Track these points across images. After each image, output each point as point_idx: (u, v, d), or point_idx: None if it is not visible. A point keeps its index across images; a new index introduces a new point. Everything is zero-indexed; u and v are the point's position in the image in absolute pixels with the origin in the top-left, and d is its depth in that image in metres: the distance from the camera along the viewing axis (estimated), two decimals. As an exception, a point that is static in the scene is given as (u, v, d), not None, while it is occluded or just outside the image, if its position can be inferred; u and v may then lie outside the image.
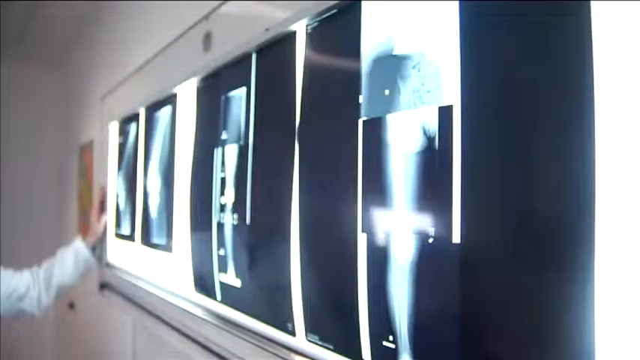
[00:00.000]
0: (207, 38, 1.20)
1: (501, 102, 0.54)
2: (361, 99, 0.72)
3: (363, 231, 0.69)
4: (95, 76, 2.76)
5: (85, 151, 2.90)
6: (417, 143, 0.63)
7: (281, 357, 0.85)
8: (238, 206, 0.96)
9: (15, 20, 2.84)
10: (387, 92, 0.68)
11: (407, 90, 0.66)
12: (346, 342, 0.73)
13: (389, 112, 0.67)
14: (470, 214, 0.56)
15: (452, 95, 0.59)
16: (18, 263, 1.70)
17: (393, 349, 0.65)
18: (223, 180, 1.02)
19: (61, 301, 3.27)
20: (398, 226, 0.64)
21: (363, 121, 0.71)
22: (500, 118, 0.55)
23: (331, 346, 0.76)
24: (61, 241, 3.13)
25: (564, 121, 0.48)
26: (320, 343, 0.78)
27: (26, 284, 1.65)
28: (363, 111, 0.71)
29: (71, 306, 3.12)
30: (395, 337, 0.65)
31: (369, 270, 0.68)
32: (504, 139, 0.54)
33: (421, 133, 0.63)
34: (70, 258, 1.74)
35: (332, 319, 0.76)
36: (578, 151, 0.46)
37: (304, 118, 0.82)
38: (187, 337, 1.22)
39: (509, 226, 0.53)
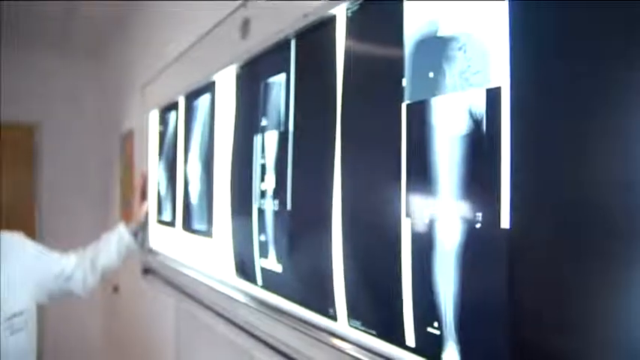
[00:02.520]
0: (245, 25, 1.20)
1: (553, 83, 0.52)
2: (404, 82, 0.70)
3: (407, 216, 0.68)
4: (135, 67, 2.82)
5: (126, 140, 2.98)
6: (464, 126, 0.62)
7: (322, 342, 0.86)
8: (279, 192, 0.96)
9: (59, 14, 2.93)
10: (431, 75, 0.67)
11: (452, 72, 0.64)
12: (389, 327, 0.73)
13: (434, 95, 0.66)
14: (520, 199, 0.55)
15: (500, 77, 0.57)
16: (64, 247, 1.77)
17: (438, 335, 0.64)
18: (263, 166, 1.02)
19: (106, 285, 3.40)
20: (443, 211, 0.63)
21: (407, 105, 0.70)
22: (551, 99, 0.53)
23: (374, 332, 0.76)
24: (104, 227, 3.24)
25: (620, 105, 0.46)
26: (362, 328, 0.78)
27: (73, 266, 1.72)
28: (406, 94, 0.70)
29: (115, 289, 3.24)
30: (440, 324, 0.64)
31: (413, 255, 0.67)
32: (555, 121, 0.52)
33: (468, 115, 0.61)
34: (114, 242, 1.81)
35: (375, 304, 0.75)
36: (636, 136, 0.44)
37: (346, 103, 0.82)
38: (228, 320, 1.24)
39: (560, 212, 0.52)
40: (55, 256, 1.71)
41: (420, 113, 0.68)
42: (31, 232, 1.68)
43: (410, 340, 0.69)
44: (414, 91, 0.69)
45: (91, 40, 3.47)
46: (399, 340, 0.70)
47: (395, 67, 0.72)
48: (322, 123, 0.85)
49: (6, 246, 1.56)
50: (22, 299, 1.53)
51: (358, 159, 0.78)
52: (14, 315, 1.49)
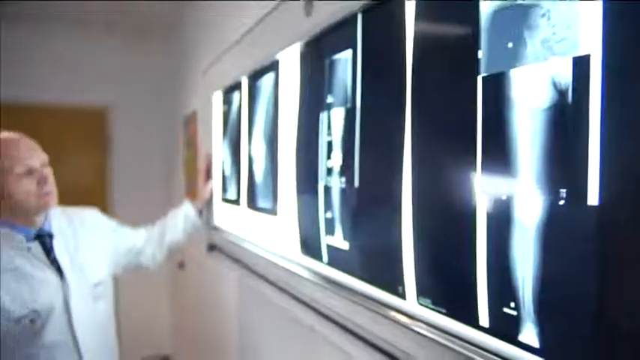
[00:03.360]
0: (309, 2, 1.19)
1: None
2: (480, 54, 0.68)
3: (483, 192, 0.66)
4: (199, 49, 2.88)
5: (190, 121, 3.07)
6: (546, 98, 0.58)
7: (390, 319, 0.86)
8: (346, 169, 0.96)
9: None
10: (510, 45, 0.63)
11: (534, 41, 0.60)
12: (461, 307, 0.71)
13: (513, 66, 0.63)
14: (610, 174, 0.52)
15: (589, 44, 0.53)
16: (134, 223, 1.86)
17: (515, 316, 0.62)
18: (330, 143, 1.02)
19: (172, 262, 3.57)
20: (523, 187, 0.61)
21: (483, 78, 0.67)
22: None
23: (444, 310, 0.75)
24: (169, 204, 3.38)
25: None
26: (432, 306, 0.77)
27: (143, 241, 1.83)
28: (482, 67, 0.67)
29: (181, 266, 3.38)
30: (517, 304, 0.62)
31: (489, 233, 0.65)
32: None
33: (551, 86, 0.58)
34: (180, 219, 1.89)
35: (446, 283, 0.74)
36: None
37: (416, 77, 0.79)
38: (291, 295, 1.27)
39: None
40: (127, 230, 1.81)
41: (497, 86, 0.65)
42: (104, 209, 1.79)
43: (483, 320, 0.67)
44: (491, 63, 0.66)
45: (157, 24, 3.59)
46: (471, 320, 0.69)
47: (469, 39, 0.69)
48: (391, 99, 0.84)
49: (84, 220, 1.67)
50: (101, 269, 1.65)
51: (430, 134, 0.77)
52: (96, 284, 1.60)
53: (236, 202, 1.68)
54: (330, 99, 1.04)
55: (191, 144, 3.01)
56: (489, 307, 0.66)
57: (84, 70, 3.70)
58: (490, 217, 0.65)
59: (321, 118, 1.06)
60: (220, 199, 1.90)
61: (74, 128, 3.79)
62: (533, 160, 0.60)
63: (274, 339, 1.72)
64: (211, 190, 1.97)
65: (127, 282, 3.67)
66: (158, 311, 4.07)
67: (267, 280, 1.44)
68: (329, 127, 1.03)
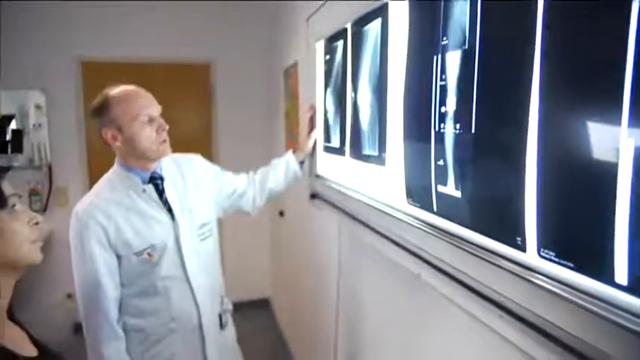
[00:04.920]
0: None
1: None
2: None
3: (629, 137, 0.59)
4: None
5: (290, 72, 3.10)
6: None
7: (506, 270, 0.82)
8: (461, 115, 0.91)
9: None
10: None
11: None
12: (593, 261, 0.66)
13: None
14: None
15: None
16: (235, 170, 1.95)
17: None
18: (443, 88, 0.98)
19: (273, 210, 3.73)
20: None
21: None
22: None
23: (571, 264, 0.70)
24: (270, 155, 3.50)
25: None
26: (557, 260, 0.72)
27: (244, 186, 1.91)
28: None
29: (281, 214, 3.53)
30: (663, 260, 0.56)
31: (635, 183, 0.59)
32: None
33: None
34: (282, 167, 1.95)
35: (576, 235, 0.69)
36: None
37: (549, 13, 0.72)
38: (398, 244, 1.27)
39: None
40: (229, 175, 1.91)
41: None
42: (208, 158, 1.88)
43: (621, 277, 0.62)
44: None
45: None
46: (606, 277, 0.64)
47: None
48: (517, 38, 0.77)
49: (190, 165, 1.78)
50: (206, 211, 1.76)
51: (565, 76, 0.69)
52: (202, 225, 1.72)
53: (339, 150, 1.69)
54: (444, 41, 0.98)
55: (292, 95, 3.05)
56: (629, 264, 0.61)
57: (188, 28, 3.86)
58: (638, 167, 0.58)
59: (434, 61, 1.01)
60: (323, 148, 1.92)
61: (180, 83, 4.00)
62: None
63: (376, 285, 1.75)
64: (314, 140, 2.00)
65: (231, 229, 3.93)
66: (258, 257, 4.32)
67: (370, 228, 1.45)
68: (443, 71, 0.98)
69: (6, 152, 3.66)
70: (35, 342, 1.01)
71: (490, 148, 0.85)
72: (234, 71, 4.08)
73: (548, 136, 0.72)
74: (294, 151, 2.00)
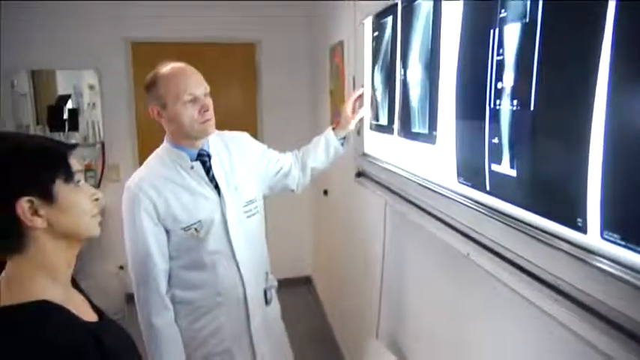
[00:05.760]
0: None
1: None
2: None
3: None
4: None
5: (335, 51, 3.07)
6: None
7: (564, 252, 0.80)
8: (520, 91, 0.88)
9: None
10: None
11: None
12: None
13: None
14: None
15: None
16: (280, 149, 1.96)
17: None
18: (500, 63, 0.94)
19: (317, 189, 3.75)
20: None
21: None
22: None
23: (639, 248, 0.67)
24: (315, 134, 3.50)
25: None
26: (622, 242, 0.69)
27: (290, 164, 1.92)
28: None
29: (325, 193, 3.54)
30: None
31: None
32: None
33: None
34: (322, 145, 1.94)
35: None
36: None
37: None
38: (446, 224, 1.25)
39: None
40: (275, 153, 1.91)
41: None
42: (253, 135, 1.89)
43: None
44: None
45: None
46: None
47: None
48: (585, 9, 0.73)
49: (237, 143, 1.80)
50: (253, 188, 1.78)
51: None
52: (248, 202, 1.74)
53: (387, 128, 1.67)
54: (502, 13, 0.94)
55: (337, 73, 3.03)
56: None
57: (234, 8, 3.88)
58: None
59: (491, 35, 0.97)
60: (370, 126, 1.90)
61: (226, 62, 4.04)
62: None
63: (421, 264, 1.74)
64: (359, 119, 1.97)
65: (273, 208, 3.98)
66: (301, 235, 4.36)
67: (417, 207, 1.43)
68: (501, 45, 0.94)
69: (63, 130, 3.83)
70: (95, 308, 1.06)
71: (551, 125, 0.81)
72: (279, 50, 4.09)
73: (617, 111, 0.68)
74: (334, 128, 1.98)
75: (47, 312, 0.88)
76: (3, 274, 0.92)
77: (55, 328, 0.87)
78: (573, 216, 0.77)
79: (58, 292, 0.93)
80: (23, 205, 0.87)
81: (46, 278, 0.92)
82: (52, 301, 0.89)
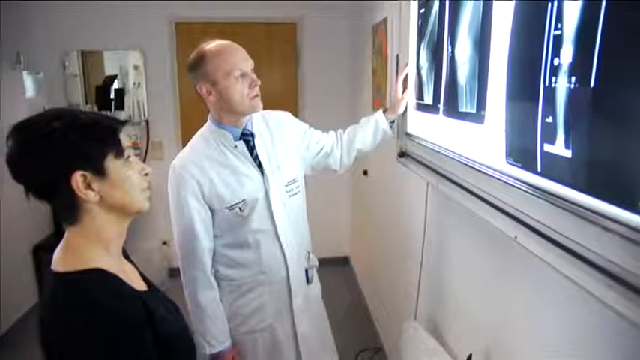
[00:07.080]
0: None
1: None
2: None
3: None
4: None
5: (378, 29, 3.02)
6: None
7: (623, 236, 0.76)
8: (579, 67, 0.83)
9: None
10: None
11: None
12: None
13: None
14: None
15: None
16: (321, 130, 1.94)
17: None
18: (558, 38, 0.89)
19: (356, 169, 3.73)
20: None
21: None
22: None
23: None
24: (356, 113, 3.48)
25: None
26: (687, 227, 0.65)
27: (332, 144, 1.90)
28: None
29: (365, 173, 3.53)
30: None
31: None
32: None
33: None
34: (371, 127, 1.91)
35: None
36: None
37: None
38: (493, 206, 1.22)
39: None
40: (318, 133, 1.90)
41: None
42: (294, 114, 1.89)
43: None
44: None
45: None
46: None
47: None
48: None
49: (280, 122, 1.80)
50: (295, 168, 1.78)
51: None
52: (291, 181, 1.75)
53: (433, 107, 1.63)
54: (562, -15, 0.89)
55: (379, 52, 2.98)
56: None
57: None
58: None
59: (549, 8, 0.92)
60: (415, 105, 1.86)
61: (268, 41, 4.05)
62: None
63: (465, 247, 1.71)
64: (406, 100, 1.93)
65: (313, 188, 3.99)
66: (340, 216, 4.37)
67: (462, 188, 1.40)
68: (559, 19, 0.90)
69: (110, 109, 3.95)
70: (144, 278, 1.10)
71: (613, 103, 0.77)
72: (320, 29, 4.06)
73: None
74: (384, 111, 1.94)
75: (101, 278, 0.92)
76: (62, 242, 0.96)
77: (109, 293, 0.91)
78: (634, 199, 0.73)
79: (111, 261, 0.97)
80: (77, 179, 0.90)
81: (100, 248, 0.96)
82: (105, 269, 0.93)
